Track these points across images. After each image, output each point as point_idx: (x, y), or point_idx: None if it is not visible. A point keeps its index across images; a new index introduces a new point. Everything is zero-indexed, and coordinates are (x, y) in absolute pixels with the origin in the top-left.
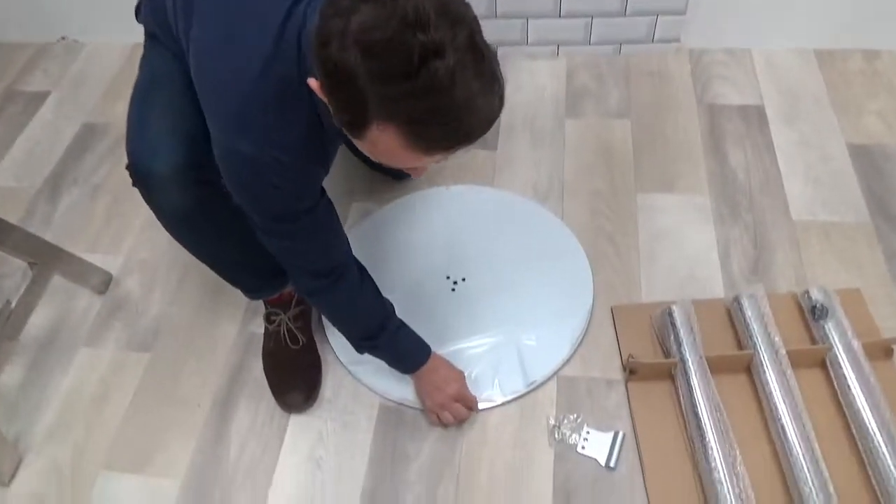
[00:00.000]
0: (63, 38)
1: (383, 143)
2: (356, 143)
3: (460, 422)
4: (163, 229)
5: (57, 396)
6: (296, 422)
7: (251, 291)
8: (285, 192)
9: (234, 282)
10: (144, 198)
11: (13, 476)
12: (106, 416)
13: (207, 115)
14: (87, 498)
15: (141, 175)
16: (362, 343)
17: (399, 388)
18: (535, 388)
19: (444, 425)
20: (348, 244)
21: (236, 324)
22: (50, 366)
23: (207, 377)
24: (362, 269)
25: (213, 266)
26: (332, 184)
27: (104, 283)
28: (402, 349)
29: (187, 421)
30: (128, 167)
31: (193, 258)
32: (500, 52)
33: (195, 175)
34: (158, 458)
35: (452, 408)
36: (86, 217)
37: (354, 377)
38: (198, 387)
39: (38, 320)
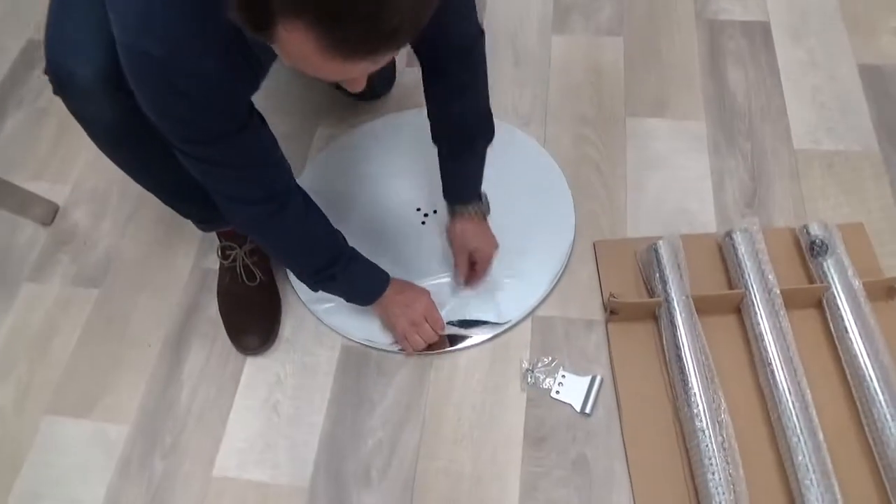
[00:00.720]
0: None
1: (294, 47)
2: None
3: (429, 345)
4: None
5: None
6: (252, 364)
7: (202, 222)
8: (202, 108)
9: (181, 210)
10: (68, 107)
11: None
12: (51, 357)
13: (112, 13)
14: (30, 442)
15: (61, 80)
16: (315, 279)
17: (363, 327)
18: (508, 329)
19: (416, 351)
20: (289, 172)
21: (191, 259)
22: None
23: (159, 316)
24: (307, 198)
25: (154, 191)
26: (294, 106)
27: (49, 213)
28: (359, 281)
29: (137, 362)
30: (46, 71)
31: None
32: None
33: (122, 81)
34: (106, 401)
35: (422, 329)
36: (31, 142)
37: (316, 316)
38: (149, 326)
39: None
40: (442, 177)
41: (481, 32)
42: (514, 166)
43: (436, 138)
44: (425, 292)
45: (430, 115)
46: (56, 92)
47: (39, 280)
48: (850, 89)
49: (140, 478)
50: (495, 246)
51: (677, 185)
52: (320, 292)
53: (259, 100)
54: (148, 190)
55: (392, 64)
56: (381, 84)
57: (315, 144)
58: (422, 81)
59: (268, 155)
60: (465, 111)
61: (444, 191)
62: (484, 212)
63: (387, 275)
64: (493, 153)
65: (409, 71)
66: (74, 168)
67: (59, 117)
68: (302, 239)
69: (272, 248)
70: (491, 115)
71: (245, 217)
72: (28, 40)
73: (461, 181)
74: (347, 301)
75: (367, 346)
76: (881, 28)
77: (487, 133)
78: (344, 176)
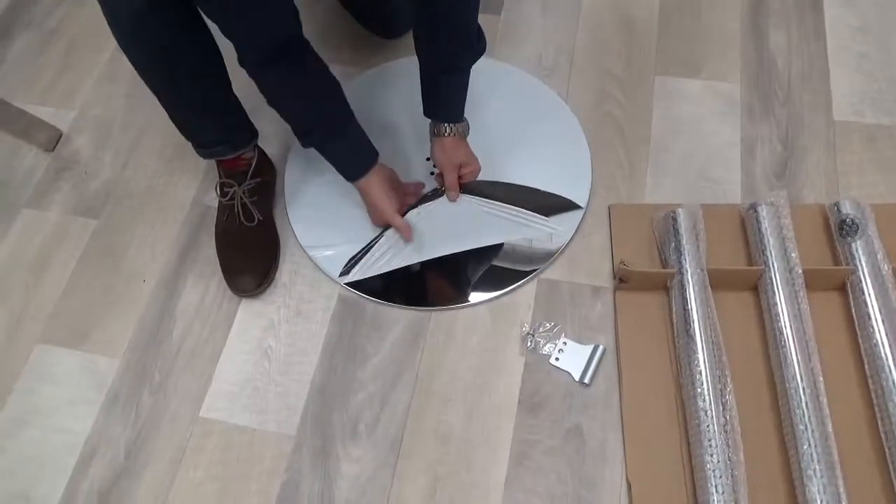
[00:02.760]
0: None
1: None
2: None
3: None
4: (120, 84)
5: None
6: (247, 306)
7: (205, 146)
8: None
9: (184, 127)
10: None
11: None
12: (45, 285)
13: None
14: (19, 370)
15: None
16: (304, 140)
17: (365, 283)
18: (511, 290)
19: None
20: (299, 26)
21: (191, 194)
22: None
23: (156, 250)
24: (317, 57)
25: (166, 98)
26: (315, 42)
27: (52, 139)
28: (342, 158)
29: (131, 296)
30: None
31: (151, 119)
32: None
33: None
34: (98, 333)
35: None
36: (37, 65)
37: (314, 262)
38: (145, 260)
39: None
40: (425, 96)
41: None
42: (532, 120)
43: (420, 51)
44: (399, 195)
45: (416, 28)
46: None
47: (38, 207)
48: None
49: (127, 413)
50: (477, 161)
51: (704, 150)
52: (321, 241)
53: None
54: (157, 94)
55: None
56: (401, 23)
57: None
58: None
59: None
60: (453, 24)
61: (426, 110)
62: (466, 130)
63: (371, 162)
64: (511, 106)
65: None
66: (80, 94)
67: (68, 41)
68: (307, 90)
69: (274, 95)
70: (481, 31)
71: (256, 60)
72: None
73: (445, 99)
74: (337, 169)
75: (364, 297)
76: None
77: (475, 49)
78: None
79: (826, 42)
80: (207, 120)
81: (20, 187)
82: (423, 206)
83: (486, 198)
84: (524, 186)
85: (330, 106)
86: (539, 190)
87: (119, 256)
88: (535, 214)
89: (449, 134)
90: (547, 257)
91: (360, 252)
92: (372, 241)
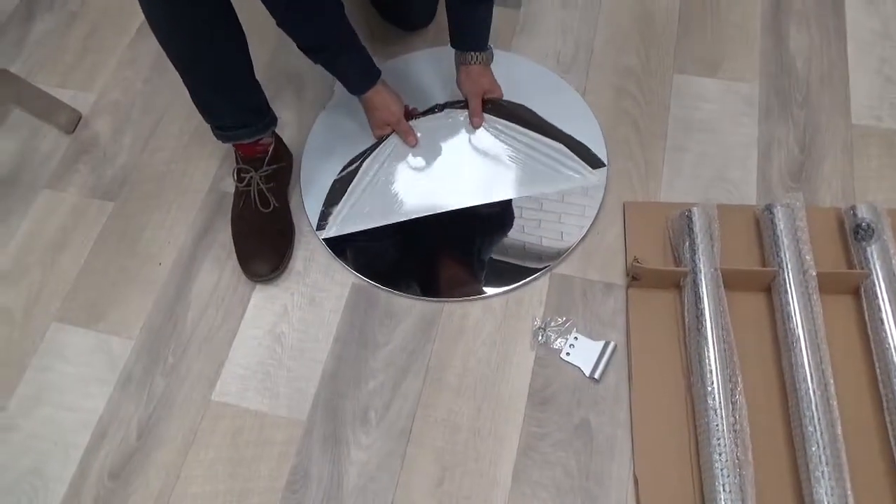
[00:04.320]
0: None
1: None
2: None
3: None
4: (140, 69)
5: (13, 239)
6: (260, 292)
7: (224, 129)
8: None
9: (205, 108)
10: None
11: None
12: (62, 265)
13: None
14: (35, 348)
15: None
16: (322, 51)
17: (376, 266)
18: (524, 284)
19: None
20: None
21: (208, 180)
22: (7, 207)
23: (172, 234)
24: None
25: (186, 75)
26: None
27: (72, 121)
28: (349, 72)
29: (146, 278)
30: None
31: (170, 104)
32: None
33: None
34: (113, 314)
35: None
36: (59, 47)
37: (328, 251)
38: (161, 244)
39: None
40: (451, 25)
41: None
42: (548, 115)
43: None
44: (399, 108)
45: None
46: None
47: (57, 188)
48: None
49: (140, 393)
50: (500, 88)
51: (720, 150)
52: (333, 227)
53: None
54: (182, 72)
55: None
56: (422, 15)
57: None
58: None
59: None
60: None
61: (452, 39)
62: (490, 59)
63: (377, 73)
64: (528, 99)
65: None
66: (100, 78)
67: (90, 24)
68: (313, 16)
69: (285, 16)
70: None
71: None
72: None
73: (471, 28)
74: (341, 81)
75: (376, 287)
76: None
77: None
78: (380, 156)
79: (847, 45)
80: (229, 102)
81: (40, 168)
82: (430, 116)
83: (509, 119)
84: (548, 122)
85: (340, 23)
86: (563, 131)
87: (135, 239)
88: (560, 146)
89: (475, 62)
90: (558, 255)
91: (354, 160)
92: (366, 151)
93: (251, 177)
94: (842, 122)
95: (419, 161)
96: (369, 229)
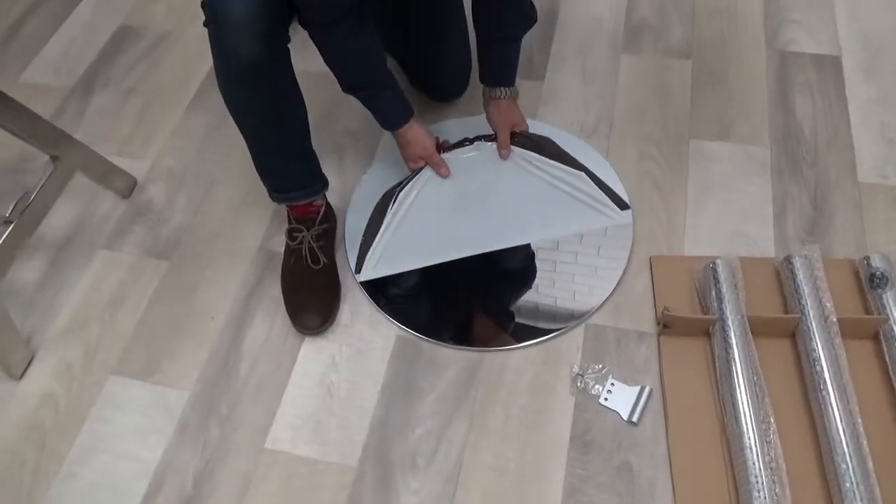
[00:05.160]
0: None
1: None
2: None
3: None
4: (192, 139)
5: (72, 297)
6: (310, 344)
7: (280, 191)
8: None
9: (267, 171)
10: (213, 40)
11: (24, 372)
12: (119, 321)
13: None
14: (93, 399)
15: (216, 10)
16: (351, 91)
17: (418, 319)
18: (560, 334)
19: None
20: None
21: (258, 240)
22: (68, 266)
23: (224, 291)
24: (368, 21)
25: (253, 141)
26: None
27: (128, 187)
28: (381, 110)
29: (200, 333)
30: (203, 5)
31: (221, 170)
32: None
33: (270, 24)
34: (168, 367)
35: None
36: (115, 119)
37: (374, 304)
38: (213, 299)
39: (59, 220)
40: (482, 62)
41: None
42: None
43: (478, 21)
44: (430, 146)
45: (474, 2)
46: (206, 24)
47: (114, 248)
48: None
49: (196, 442)
50: (526, 122)
51: (737, 208)
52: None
53: (333, 93)
54: (247, 138)
55: (467, 63)
56: (455, 87)
57: (383, 141)
58: None
59: None
60: None
61: (482, 76)
62: (516, 95)
63: (411, 111)
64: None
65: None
66: (154, 146)
67: (144, 98)
68: (355, 51)
69: (327, 51)
70: (532, 3)
71: (315, 22)
72: (119, 26)
73: (501, 65)
74: (375, 118)
75: (419, 337)
76: None
77: (529, 18)
78: (414, 190)
79: (848, 110)
80: (290, 166)
81: (98, 230)
82: (461, 149)
83: (536, 151)
84: (572, 156)
85: (379, 63)
86: (587, 167)
87: (189, 295)
88: (585, 177)
89: (503, 97)
90: (591, 307)
91: (391, 191)
92: (402, 182)
93: (303, 235)
94: (849, 181)
95: (451, 193)
96: (405, 274)
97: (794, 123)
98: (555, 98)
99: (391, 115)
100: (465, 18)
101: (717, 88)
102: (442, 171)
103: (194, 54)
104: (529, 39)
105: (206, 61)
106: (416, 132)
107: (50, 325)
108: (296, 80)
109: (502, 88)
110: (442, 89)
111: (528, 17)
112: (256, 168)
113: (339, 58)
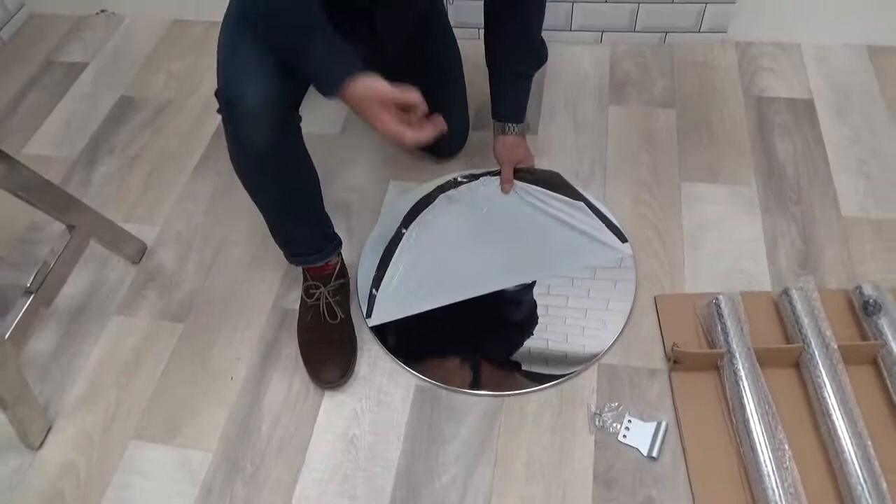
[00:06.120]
0: (102, 11)
1: None
2: None
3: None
4: (199, 202)
5: (88, 364)
6: (330, 398)
7: (297, 255)
8: None
9: (285, 240)
10: (227, 127)
11: (43, 441)
12: (137, 386)
13: None
14: (115, 466)
15: (230, 100)
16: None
17: (436, 368)
18: (575, 375)
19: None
20: None
21: (270, 298)
22: (82, 333)
23: (240, 351)
24: None
25: (270, 215)
26: (371, 159)
27: (139, 252)
28: (320, 64)
29: (219, 393)
30: (217, 93)
31: (229, 232)
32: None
33: (283, 110)
34: (189, 429)
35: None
36: (122, 187)
37: (390, 355)
38: (230, 360)
39: (72, 288)
40: (494, 97)
41: None
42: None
43: (492, 58)
44: (382, 108)
45: (487, 39)
46: (221, 111)
47: (128, 314)
48: (894, 164)
49: (221, 503)
50: (533, 158)
51: (732, 245)
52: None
53: (337, 152)
54: (264, 213)
55: (466, 125)
56: (454, 144)
57: (388, 196)
58: (484, 13)
59: None
60: (525, 28)
61: (493, 111)
62: (525, 131)
63: (345, 79)
64: (556, 211)
65: (476, 134)
66: (161, 212)
67: (149, 165)
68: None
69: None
70: (543, 43)
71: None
72: (120, 97)
73: (511, 101)
74: (312, 81)
75: (438, 386)
76: None
77: (539, 56)
78: (417, 225)
79: (825, 150)
80: (305, 232)
81: (111, 296)
82: (467, 185)
83: (542, 185)
84: (576, 188)
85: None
86: (589, 199)
87: (206, 356)
88: (588, 209)
89: (511, 132)
90: (601, 348)
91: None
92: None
93: (320, 292)
94: (833, 215)
95: (456, 231)
96: (416, 320)
97: (776, 164)
98: (550, 150)
99: (336, 66)
100: (465, 84)
101: (701, 134)
102: (411, 97)
103: (197, 121)
104: None
105: (209, 127)
106: (368, 83)
107: (66, 393)
108: (307, 152)
109: (511, 124)
110: (443, 149)
111: (539, 55)
112: (273, 235)
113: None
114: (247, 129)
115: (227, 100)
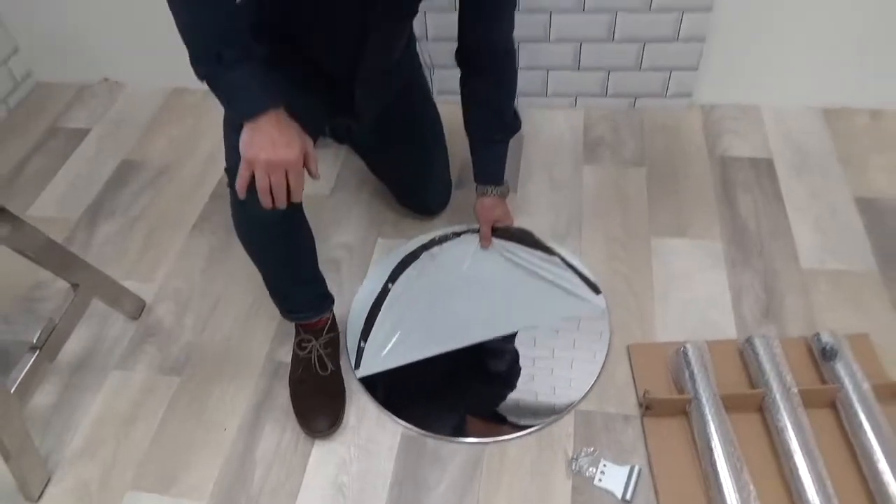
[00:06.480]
0: (105, 80)
1: None
2: None
3: (278, 202)
4: (196, 260)
5: (87, 417)
6: (320, 447)
7: (292, 312)
8: None
9: (283, 299)
10: (234, 202)
11: (42, 493)
12: (134, 437)
13: None
14: None
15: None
16: (202, 59)
17: (422, 417)
18: (553, 421)
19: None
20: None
21: (264, 351)
22: (82, 387)
23: (234, 402)
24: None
25: (270, 275)
26: (359, 219)
27: (138, 309)
28: (243, 85)
29: (214, 444)
30: (227, 170)
31: (225, 289)
32: (521, 102)
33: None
34: (184, 479)
35: (276, 176)
36: (122, 246)
37: (377, 404)
38: (225, 411)
39: (74, 344)
40: (473, 162)
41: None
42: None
43: (470, 129)
44: (304, 144)
45: (466, 110)
46: (230, 186)
47: (126, 368)
48: (849, 219)
49: None
50: (512, 217)
51: (700, 297)
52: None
53: (328, 212)
54: (264, 274)
55: (447, 186)
56: (436, 203)
57: (376, 253)
58: (460, 85)
59: None
60: (498, 105)
61: (474, 174)
62: (505, 192)
63: (275, 100)
64: (534, 265)
65: (459, 192)
66: (160, 270)
67: (149, 226)
68: (207, 13)
69: (182, 18)
70: (517, 113)
71: None
72: (122, 160)
73: (490, 165)
74: (227, 108)
75: (423, 434)
76: (872, 166)
77: (514, 125)
78: (401, 281)
79: (785, 206)
80: (301, 291)
81: (110, 351)
82: (449, 242)
83: (516, 241)
84: (547, 245)
85: (241, 22)
86: (560, 253)
87: (201, 409)
88: (560, 262)
89: (490, 194)
90: (578, 395)
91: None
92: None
93: (312, 344)
94: (793, 267)
95: (440, 284)
96: (402, 370)
97: (740, 219)
98: (528, 208)
99: (255, 93)
100: (446, 148)
101: (670, 192)
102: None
103: (195, 183)
104: None
105: (207, 188)
106: (284, 120)
107: (66, 445)
108: (306, 218)
109: (490, 186)
110: (427, 208)
111: (512, 126)
112: (270, 293)
113: (196, 13)
114: (254, 207)
115: (233, 178)
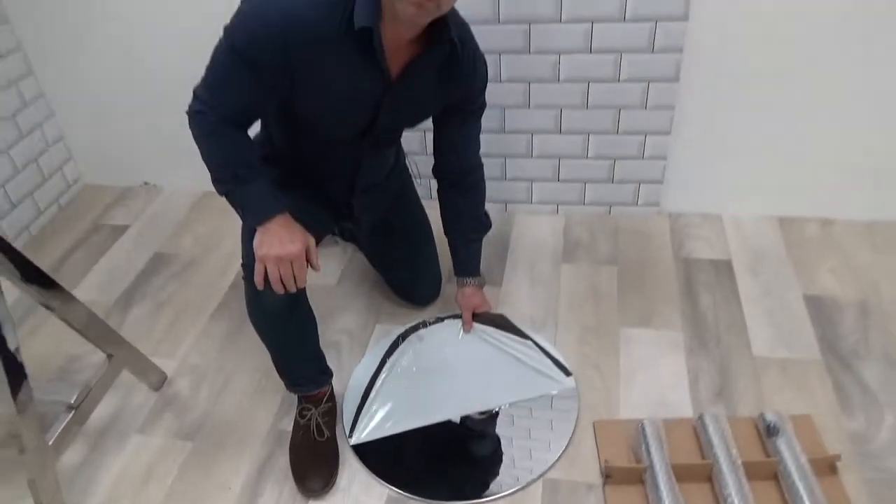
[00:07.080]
0: (146, 183)
1: None
2: None
3: (288, 288)
4: (214, 340)
5: (108, 476)
6: None
7: (296, 385)
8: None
9: (288, 374)
10: (249, 292)
11: None
12: (149, 493)
13: None
14: None
15: (253, 276)
16: (224, 183)
17: (406, 482)
18: (524, 487)
19: (273, 287)
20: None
21: (269, 421)
22: (106, 449)
23: (240, 464)
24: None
25: (277, 354)
26: (358, 306)
27: (160, 381)
28: (254, 200)
29: (220, 500)
30: (243, 266)
31: (237, 367)
32: (508, 209)
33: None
34: None
35: (283, 267)
36: (149, 326)
37: (366, 469)
38: (231, 472)
39: (101, 410)
40: (453, 258)
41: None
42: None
43: (449, 232)
44: (306, 240)
45: (444, 217)
46: (245, 279)
47: (146, 433)
48: (798, 314)
49: None
50: (489, 304)
51: (661, 380)
52: (360, 432)
53: (333, 300)
54: (272, 351)
55: (438, 280)
56: (428, 294)
57: (374, 337)
58: (438, 194)
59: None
60: (472, 210)
61: (454, 269)
62: (482, 283)
63: (281, 207)
64: (514, 350)
65: (449, 285)
66: (181, 348)
67: (174, 310)
68: (224, 140)
69: (200, 137)
70: (487, 214)
71: (195, 108)
72: (155, 253)
73: (467, 261)
74: (243, 217)
75: (407, 496)
76: (820, 268)
77: (486, 224)
78: (396, 362)
79: (741, 301)
80: (304, 367)
81: (133, 417)
82: (434, 326)
83: (493, 325)
84: (521, 329)
85: (252, 153)
86: (533, 338)
87: (210, 469)
88: (533, 345)
89: (469, 284)
90: (547, 465)
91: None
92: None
93: (312, 413)
94: (746, 355)
95: (426, 364)
96: (390, 440)
97: (699, 312)
98: (511, 300)
99: (260, 204)
100: (435, 247)
101: (638, 288)
102: (315, 264)
103: (216, 275)
104: (488, 254)
105: (226, 280)
106: (289, 221)
107: (87, 501)
108: (309, 304)
109: (468, 278)
110: (420, 299)
111: (483, 225)
112: (277, 370)
113: (217, 145)
114: (267, 298)
115: (251, 271)
